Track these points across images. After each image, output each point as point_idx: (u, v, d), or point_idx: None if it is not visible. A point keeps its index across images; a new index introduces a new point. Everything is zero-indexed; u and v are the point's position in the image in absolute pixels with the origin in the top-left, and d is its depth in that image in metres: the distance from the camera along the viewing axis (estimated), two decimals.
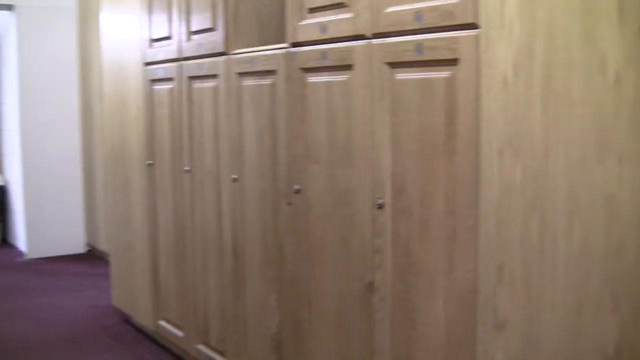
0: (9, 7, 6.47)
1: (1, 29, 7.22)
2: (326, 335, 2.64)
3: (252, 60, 2.96)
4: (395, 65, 2.19)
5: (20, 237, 6.85)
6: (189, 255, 3.61)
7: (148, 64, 3.87)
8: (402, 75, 2.16)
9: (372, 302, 2.37)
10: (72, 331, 4.52)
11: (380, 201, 2.28)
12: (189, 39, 3.44)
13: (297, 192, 2.71)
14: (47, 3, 6.47)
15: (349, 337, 2.51)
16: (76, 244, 6.75)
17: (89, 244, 6.78)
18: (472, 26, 1.90)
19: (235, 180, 3.13)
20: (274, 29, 3.16)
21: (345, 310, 2.52)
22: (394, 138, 2.21)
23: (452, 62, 1.96)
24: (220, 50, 3.17)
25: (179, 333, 3.81)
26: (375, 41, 2.26)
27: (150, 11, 3.80)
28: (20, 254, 6.76)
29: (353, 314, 2.48)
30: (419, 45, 2.07)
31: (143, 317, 4.25)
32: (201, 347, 3.59)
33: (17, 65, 6.48)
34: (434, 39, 2.02)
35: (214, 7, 3.19)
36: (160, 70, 3.73)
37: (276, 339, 2.97)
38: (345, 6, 2.39)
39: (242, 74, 3.03)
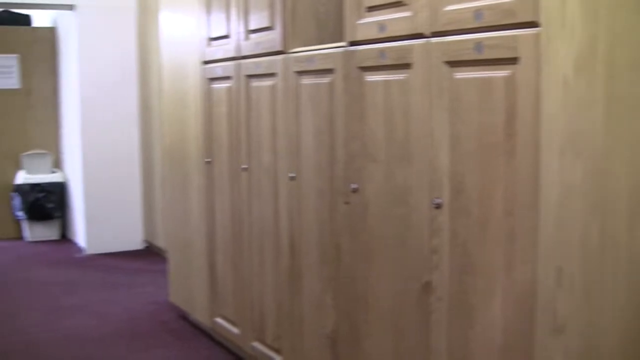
0: (70, 7, 6.64)
1: (63, 29, 7.41)
2: (382, 334, 2.65)
3: (310, 59, 2.99)
4: (454, 64, 2.19)
5: (80, 233, 7.02)
6: (246, 253, 3.66)
7: (206, 62, 3.94)
8: (461, 74, 2.16)
9: (429, 302, 2.38)
10: (130, 326, 4.62)
11: (438, 200, 2.29)
12: (247, 38, 3.49)
13: (355, 190, 2.73)
14: (107, 3, 6.62)
15: (405, 337, 2.53)
16: (134, 241, 6.89)
17: (146, 241, 6.91)
18: (533, 25, 1.89)
19: (292, 178, 3.16)
20: (331, 28, 3.18)
21: (402, 310, 2.53)
22: (453, 137, 2.22)
23: (512, 61, 1.96)
24: (278, 49, 3.21)
25: (235, 330, 3.86)
26: (433, 40, 2.27)
27: (208, 10, 3.86)
28: (80, 249, 6.93)
29: (409, 314, 2.49)
30: (478, 44, 2.07)
31: (200, 314, 4.32)
32: (257, 344, 3.64)
33: (77, 64, 6.65)
34: (493, 38, 2.02)
35: (271, 6, 3.23)
36: (218, 69, 3.79)
37: (332, 338, 3.00)
38: (404, 5, 2.40)
39: (300, 73, 3.06)
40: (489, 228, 2.10)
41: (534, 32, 1.89)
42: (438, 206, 2.29)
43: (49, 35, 7.68)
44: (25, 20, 7.87)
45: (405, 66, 2.40)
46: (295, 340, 3.28)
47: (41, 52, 7.65)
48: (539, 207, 1.92)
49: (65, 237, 7.51)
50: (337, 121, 2.83)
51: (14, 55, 7.55)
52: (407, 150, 2.43)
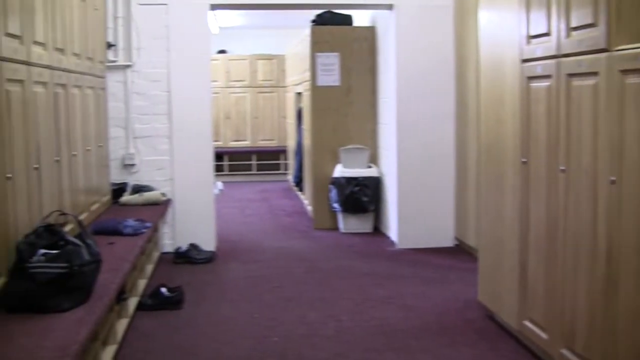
0: (389, 7, 7.02)
1: (381, 28, 7.82)
2: None
3: (636, 56, 2.93)
4: None
5: (392, 228, 7.40)
6: (559, 256, 3.67)
7: (525, 60, 3.99)
8: None
9: None
10: (437, 321, 4.83)
11: None
12: (568, 35, 3.49)
13: None
14: (425, 2, 6.92)
15: None
16: (445, 238, 7.12)
17: (457, 239, 7.10)
18: None
19: (613, 182, 3.12)
20: None
21: None
22: None
23: None
24: (602, 46, 3.18)
25: (543, 335, 3.89)
26: None
27: (528, 8, 3.92)
28: (391, 243, 7.31)
29: None
30: None
31: (507, 315, 4.39)
32: (565, 351, 3.63)
33: (395, 62, 7.02)
34: None
35: (595, 2, 3.21)
36: (537, 67, 3.83)
37: None
38: None
39: (625, 72, 3.02)
40: None
41: None
42: None
43: (368, 34, 8.16)
44: (346, 20, 8.42)
45: None
46: (607, 350, 3.24)
47: (360, 51, 8.14)
48: None
49: (377, 231, 7.95)
50: None
51: (335, 53, 8.13)
52: None
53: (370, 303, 5.28)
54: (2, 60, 3.36)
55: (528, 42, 3.96)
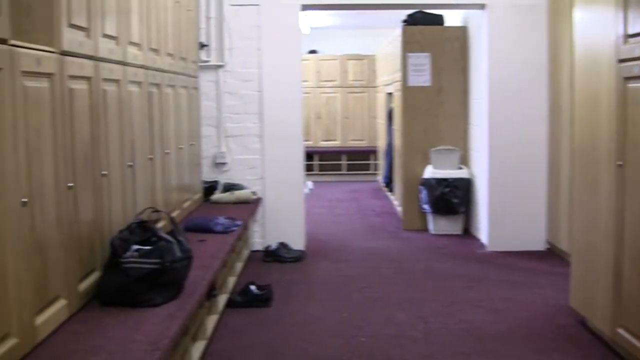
0: (481, 7, 6.93)
1: (473, 28, 7.73)
2: None
3: None
4: None
5: (482, 230, 7.30)
6: None
7: (622, 60, 3.87)
8: None
9: None
10: (526, 326, 4.74)
11: None
12: None
13: None
14: (518, 1, 6.79)
15: None
16: (536, 241, 6.96)
17: (549, 242, 6.93)
18: None
19: None
20: None
21: None
22: None
23: None
24: None
25: (638, 343, 3.76)
26: None
27: (626, 6, 3.80)
28: (481, 245, 7.21)
29: None
30: None
31: (600, 322, 4.28)
32: None
33: (487, 62, 6.92)
34: None
35: None
36: (635, 67, 3.71)
37: None
38: None
39: None
40: None
41: None
42: None
43: (460, 34, 8.07)
44: (438, 20, 8.36)
45: None
46: None
47: (452, 51, 8.07)
48: None
49: (467, 232, 7.86)
50: None
51: (427, 53, 8.08)
52: None
53: (458, 305, 5.22)
54: (99, 60, 3.47)
55: (625, 42, 3.84)
